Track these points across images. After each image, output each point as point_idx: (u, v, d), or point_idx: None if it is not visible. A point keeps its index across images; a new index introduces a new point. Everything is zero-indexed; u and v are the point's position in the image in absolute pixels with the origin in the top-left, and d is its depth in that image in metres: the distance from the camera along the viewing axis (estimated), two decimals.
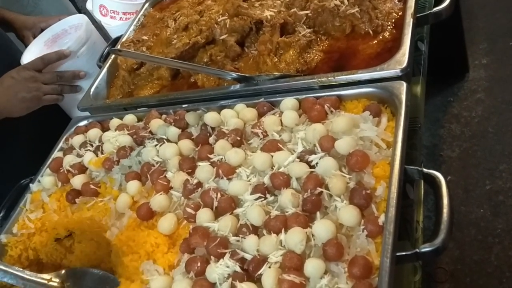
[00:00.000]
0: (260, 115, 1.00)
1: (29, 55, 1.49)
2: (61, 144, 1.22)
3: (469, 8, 2.70)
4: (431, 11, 1.02)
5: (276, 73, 1.05)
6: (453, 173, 2.21)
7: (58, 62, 1.41)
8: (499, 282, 1.78)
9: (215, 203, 0.86)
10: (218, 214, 0.86)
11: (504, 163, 2.11)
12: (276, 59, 1.08)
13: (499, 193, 2.04)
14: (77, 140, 1.17)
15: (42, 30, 1.62)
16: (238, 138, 0.96)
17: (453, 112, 2.44)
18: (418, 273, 0.99)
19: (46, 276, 0.96)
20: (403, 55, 0.94)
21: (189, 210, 0.87)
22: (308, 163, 0.85)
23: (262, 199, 0.84)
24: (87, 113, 1.29)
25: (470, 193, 2.10)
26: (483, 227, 1.97)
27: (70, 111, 1.53)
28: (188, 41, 1.21)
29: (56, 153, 1.19)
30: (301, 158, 0.86)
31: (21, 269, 0.95)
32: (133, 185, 0.99)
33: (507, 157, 2.12)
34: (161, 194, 0.94)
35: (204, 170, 0.92)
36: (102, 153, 1.10)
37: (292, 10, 1.12)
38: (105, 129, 1.19)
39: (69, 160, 1.11)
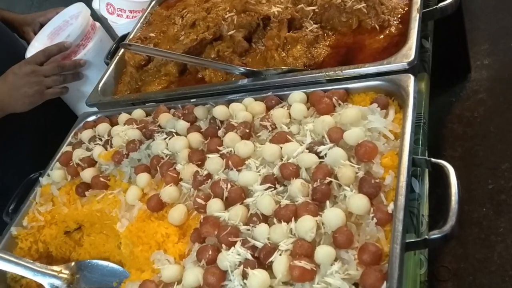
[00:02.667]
0: (268, 108, 1.02)
1: (33, 50, 1.49)
2: (70, 138, 1.23)
3: (471, 9, 2.72)
4: (437, 6, 1.03)
5: (284, 67, 1.06)
6: (456, 172, 2.21)
7: (61, 55, 1.42)
8: (502, 281, 1.79)
9: (225, 194, 0.86)
10: (228, 204, 0.87)
11: (507, 163, 2.11)
12: (283, 54, 1.09)
13: (501, 192, 2.04)
14: (86, 134, 1.18)
15: (42, 25, 1.63)
16: (247, 131, 0.97)
17: (455, 112, 2.44)
18: (424, 266, 1.00)
19: (56, 268, 0.97)
20: (410, 48, 0.96)
21: (199, 200, 0.88)
22: (317, 154, 0.86)
23: (272, 189, 0.85)
24: (94, 109, 1.30)
25: (473, 192, 2.10)
26: (485, 226, 1.98)
27: (74, 106, 1.55)
28: (195, 37, 1.22)
29: (65, 148, 1.20)
30: (310, 149, 0.88)
31: (31, 261, 0.97)
32: (143, 178, 1.00)
33: (509, 157, 2.12)
34: (171, 185, 0.94)
35: (213, 162, 0.93)
36: (111, 147, 1.11)
37: (299, 6, 1.14)
38: (113, 123, 1.20)
39: (79, 154, 1.12)
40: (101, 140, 1.14)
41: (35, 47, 1.53)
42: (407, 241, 0.71)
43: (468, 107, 2.42)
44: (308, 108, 0.97)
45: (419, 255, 0.95)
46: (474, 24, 2.66)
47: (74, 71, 1.45)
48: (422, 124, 1.03)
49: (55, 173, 1.12)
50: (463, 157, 2.25)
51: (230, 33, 1.17)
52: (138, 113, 1.17)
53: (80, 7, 1.53)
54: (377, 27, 1.06)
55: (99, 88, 1.32)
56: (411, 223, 0.89)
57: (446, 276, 1.89)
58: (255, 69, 1.08)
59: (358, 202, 0.76)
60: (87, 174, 1.07)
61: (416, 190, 0.96)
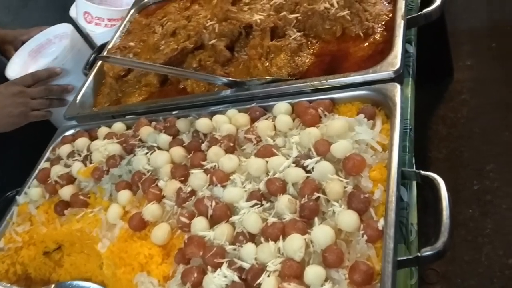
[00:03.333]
0: (253, 120, 0.99)
1: (13, 66, 1.47)
2: (47, 154, 1.19)
3: (452, 10, 2.73)
4: (421, 12, 1.02)
5: (268, 77, 1.04)
6: (441, 174, 2.18)
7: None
8: (490, 282, 1.79)
9: (210, 211, 0.83)
10: (213, 222, 0.84)
11: (491, 163, 2.12)
12: (267, 63, 1.06)
13: (487, 193, 2.05)
14: (64, 150, 1.14)
15: (24, 43, 1.59)
16: (231, 144, 0.94)
17: (439, 113, 2.45)
18: (414, 276, 0.98)
19: None
20: (395, 57, 0.94)
21: (183, 219, 0.85)
22: (304, 168, 0.84)
23: (258, 205, 0.82)
24: (73, 122, 1.26)
25: (459, 193, 2.11)
26: (472, 228, 1.98)
27: (57, 123, 1.50)
28: (176, 46, 1.19)
29: (43, 164, 1.16)
30: (297, 163, 0.85)
31: (8, 285, 0.93)
32: (124, 195, 0.96)
33: (493, 157, 2.13)
34: (153, 203, 0.91)
35: (197, 178, 0.90)
36: (90, 163, 1.07)
37: (282, 14, 1.11)
38: (93, 138, 1.16)
39: (57, 170, 1.08)
40: (80, 155, 1.10)
41: (15, 63, 1.49)
42: (399, 259, 0.69)
43: (451, 108, 2.43)
44: (293, 119, 0.95)
45: None
46: (455, 25, 2.67)
47: (61, 96, 1.41)
48: (408, 130, 1.01)
49: (33, 191, 1.08)
50: (448, 158, 2.25)
51: (211, 42, 1.14)
52: (118, 126, 1.13)
53: (65, 28, 1.49)
54: (362, 34, 1.04)
55: (78, 100, 1.28)
56: (401, 233, 0.87)
57: (435, 279, 1.89)
58: (238, 80, 1.05)
59: (348, 218, 0.74)
60: (66, 192, 1.03)
61: (405, 198, 0.93)
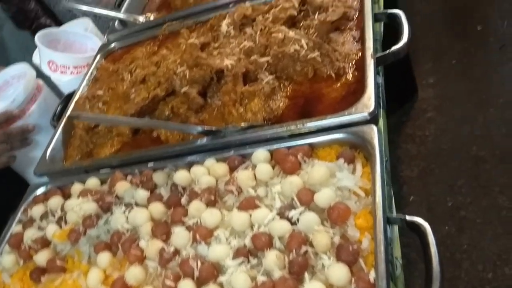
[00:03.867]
0: (232, 169, 0.97)
1: None
2: (19, 216, 1.13)
3: (411, 29, 2.80)
4: (390, 50, 1.04)
5: (243, 124, 1.03)
6: (415, 193, 2.25)
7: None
8: None
9: (196, 273, 0.81)
10: (200, 283, 0.81)
11: (462, 178, 2.16)
12: (241, 109, 1.05)
13: (460, 209, 2.08)
14: (37, 211, 1.09)
15: None
16: (212, 198, 0.92)
17: (407, 132, 2.49)
18: None
19: None
20: (369, 98, 0.95)
21: (168, 282, 0.82)
22: (289, 219, 0.83)
23: (246, 263, 0.80)
24: (44, 178, 1.22)
25: (433, 211, 2.14)
26: (450, 244, 2.01)
27: (23, 173, 1.44)
28: (147, 95, 1.17)
29: (15, 227, 1.11)
30: (281, 214, 0.84)
31: None
32: (104, 257, 0.92)
33: (464, 172, 2.18)
34: (135, 265, 0.88)
35: (180, 236, 0.88)
36: (66, 224, 1.03)
37: (253, 58, 1.11)
38: (66, 195, 1.12)
39: (30, 234, 1.03)
40: (54, 216, 1.06)
41: None
42: None
43: (419, 126, 2.48)
44: (273, 167, 0.94)
45: None
46: (416, 45, 2.74)
47: (22, 138, 1.35)
48: (384, 162, 1.02)
49: (5, 258, 1.03)
50: (421, 177, 2.29)
51: (183, 90, 1.12)
52: (93, 182, 1.10)
53: (23, 68, 1.44)
54: (333, 75, 1.05)
55: (47, 155, 1.24)
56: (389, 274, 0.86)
57: None
58: (213, 128, 1.04)
59: (338, 273, 0.73)
60: (42, 257, 0.98)
61: (388, 234, 0.93)
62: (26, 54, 1.70)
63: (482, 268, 1.88)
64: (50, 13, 2.02)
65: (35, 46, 1.55)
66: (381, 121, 1.10)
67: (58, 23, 1.98)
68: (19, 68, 1.45)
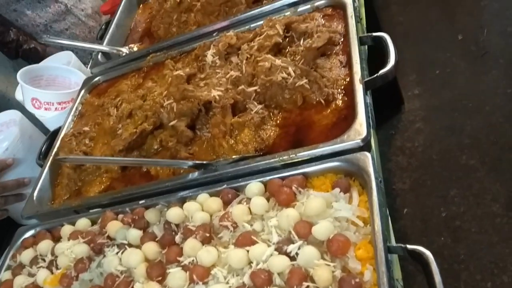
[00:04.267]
0: (226, 203, 0.95)
1: None
2: (7, 261, 1.10)
3: (394, 41, 2.82)
4: (378, 74, 1.03)
5: (235, 156, 1.01)
6: (408, 205, 2.24)
7: None
8: None
9: None
10: None
11: (454, 188, 2.16)
12: (232, 141, 1.04)
13: (455, 219, 2.07)
14: (26, 255, 1.06)
15: None
16: (207, 235, 0.90)
17: (396, 144, 2.49)
18: None
19: None
20: (361, 124, 0.94)
21: None
22: (287, 254, 0.81)
23: None
24: (33, 220, 1.18)
25: (428, 222, 2.13)
26: (447, 255, 1.99)
27: (18, 219, 1.41)
28: (134, 130, 1.15)
29: (4, 274, 1.07)
30: (279, 249, 0.82)
31: None
32: None
33: (455, 182, 2.17)
34: None
35: (176, 277, 0.85)
36: (57, 269, 1.00)
37: (240, 88, 1.09)
38: (56, 238, 1.09)
39: (20, 282, 1.01)
40: (44, 261, 1.03)
41: None
42: None
43: (407, 138, 2.48)
44: (267, 199, 0.92)
45: None
46: (399, 56, 2.75)
47: (17, 192, 1.32)
48: (379, 183, 1.01)
49: None
50: (413, 188, 2.28)
51: (172, 123, 1.10)
52: (83, 223, 1.07)
53: (13, 114, 1.42)
54: (322, 101, 1.04)
55: (35, 197, 1.21)
56: None
57: None
58: (204, 162, 1.02)
59: None
60: None
61: (389, 264, 0.92)
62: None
63: (481, 278, 1.87)
64: (33, 36, 2.01)
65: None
66: (372, 141, 1.09)
67: (43, 45, 1.97)
68: (9, 115, 1.44)
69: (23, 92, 1.46)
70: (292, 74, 1.06)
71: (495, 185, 2.07)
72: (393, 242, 0.85)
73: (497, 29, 2.61)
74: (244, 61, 1.14)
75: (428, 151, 2.35)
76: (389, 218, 1.06)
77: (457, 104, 2.42)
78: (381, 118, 2.53)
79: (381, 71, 1.03)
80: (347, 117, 0.99)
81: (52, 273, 1.00)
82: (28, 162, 1.38)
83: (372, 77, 1.03)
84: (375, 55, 1.19)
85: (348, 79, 1.06)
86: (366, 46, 1.26)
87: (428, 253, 0.76)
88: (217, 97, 1.08)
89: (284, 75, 1.06)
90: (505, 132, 2.21)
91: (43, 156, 1.31)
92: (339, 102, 1.04)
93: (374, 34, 1.12)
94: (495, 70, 2.47)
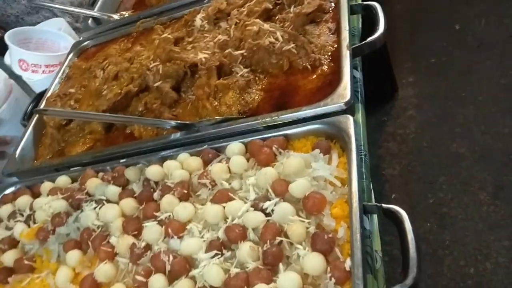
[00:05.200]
0: (206, 163, 0.95)
1: None
2: None
3: (389, 30, 2.81)
4: (366, 41, 1.02)
5: (218, 117, 1.00)
6: (397, 190, 2.25)
7: None
8: None
9: (168, 267, 0.78)
10: (172, 278, 0.79)
11: (443, 175, 2.17)
12: (216, 103, 1.03)
13: (442, 206, 2.09)
14: (4, 210, 1.06)
15: None
16: (185, 191, 0.90)
17: (388, 131, 2.49)
18: None
19: None
20: (345, 88, 0.93)
21: (139, 278, 0.80)
22: (263, 210, 0.81)
23: (219, 256, 0.78)
24: (14, 179, 1.18)
25: (416, 208, 2.14)
26: (432, 241, 2.01)
27: None
28: (119, 91, 1.14)
29: None
30: (255, 206, 0.82)
31: None
32: (73, 255, 0.89)
33: (444, 169, 2.18)
34: (105, 262, 0.85)
35: (151, 231, 0.85)
36: (34, 223, 1.00)
37: (227, 51, 1.09)
38: (36, 195, 1.08)
39: None
40: (22, 215, 1.03)
41: None
42: None
43: (399, 124, 2.48)
44: (248, 159, 0.92)
45: None
46: (395, 44, 2.75)
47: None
48: (363, 156, 1.00)
49: None
50: (402, 174, 2.29)
51: (156, 84, 1.10)
52: (63, 180, 1.06)
53: None
54: (309, 66, 1.03)
55: (17, 155, 1.20)
56: (367, 263, 0.84)
57: None
58: (187, 122, 1.01)
59: (313, 262, 0.71)
60: (9, 258, 0.95)
61: (367, 227, 0.92)
62: None
63: (464, 263, 1.88)
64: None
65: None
66: (359, 116, 1.09)
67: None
68: None
69: (11, 54, 1.45)
70: (280, 38, 1.05)
71: (483, 173, 2.08)
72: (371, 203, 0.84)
73: (494, 20, 2.61)
74: (233, 26, 1.14)
75: (419, 138, 2.36)
76: (372, 190, 1.06)
77: (451, 93, 2.42)
78: (375, 105, 2.55)
79: (369, 38, 1.02)
80: (332, 83, 0.99)
81: (29, 227, 1.00)
82: (13, 124, 1.37)
83: (360, 43, 1.03)
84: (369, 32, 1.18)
85: (336, 46, 1.06)
86: (360, 23, 1.26)
87: (402, 211, 0.76)
88: (203, 59, 1.08)
89: (272, 39, 1.05)
90: (496, 122, 2.22)
91: (27, 117, 1.30)
92: (325, 68, 1.03)
93: (365, 3, 1.11)
94: (489, 61, 2.47)
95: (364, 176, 0.97)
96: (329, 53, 1.05)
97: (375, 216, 1.16)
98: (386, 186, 2.28)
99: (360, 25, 1.27)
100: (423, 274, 1.87)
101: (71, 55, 1.47)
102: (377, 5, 1.09)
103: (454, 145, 2.23)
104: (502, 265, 1.81)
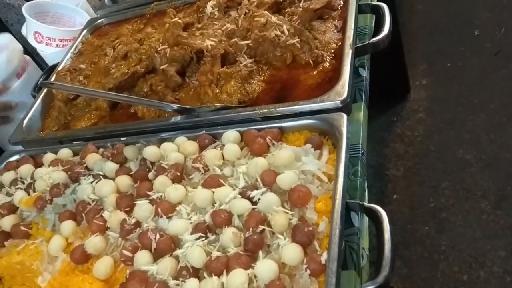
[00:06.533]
0: (201, 148, 0.98)
1: None
2: None
3: (408, 31, 2.81)
4: (369, 41, 1.03)
5: (218, 104, 1.03)
6: (399, 191, 2.26)
7: None
8: None
9: (154, 245, 0.82)
10: (157, 255, 0.82)
11: (446, 181, 2.17)
12: (217, 90, 1.05)
13: (442, 210, 2.10)
14: (7, 177, 1.10)
15: None
16: (178, 174, 0.92)
17: (396, 131, 2.50)
18: None
19: None
20: (343, 86, 0.95)
21: (126, 252, 0.83)
22: (250, 199, 0.83)
23: (203, 238, 0.80)
24: (19, 147, 1.22)
25: (416, 211, 2.15)
26: (428, 244, 2.02)
27: (4, 146, 1.44)
28: (127, 70, 1.17)
29: None
30: (243, 194, 0.84)
31: None
32: (67, 226, 0.93)
33: (448, 175, 2.19)
34: (96, 235, 0.88)
35: (142, 209, 0.88)
36: (34, 191, 1.04)
37: (233, 40, 1.11)
38: (38, 164, 1.12)
39: None
40: (23, 183, 1.06)
41: None
42: None
43: (408, 126, 2.48)
44: (242, 148, 0.94)
45: None
46: (412, 46, 2.74)
47: (4, 114, 1.35)
48: (360, 155, 1.02)
49: None
50: (406, 176, 2.30)
51: (162, 67, 1.12)
52: (65, 153, 1.10)
53: (6, 39, 1.44)
54: (311, 62, 1.05)
55: (24, 124, 1.24)
56: (351, 259, 0.87)
57: None
58: (188, 106, 1.04)
59: (291, 252, 0.73)
60: (7, 222, 0.99)
61: (356, 224, 0.94)
62: None
63: (458, 269, 1.89)
64: None
65: None
66: (360, 114, 1.10)
67: None
68: (2, 39, 1.45)
69: (27, 25, 1.48)
70: (286, 32, 1.06)
71: (487, 182, 2.08)
72: (366, 202, 0.86)
73: None
74: (242, 16, 1.15)
75: (426, 142, 2.36)
76: (366, 190, 1.08)
77: (463, 99, 2.42)
78: (385, 104, 2.55)
79: (373, 39, 1.03)
80: (332, 80, 1.00)
81: (29, 195, 1.03)
82: (25, 97, 1.41)
83: (363, 43, 1.04)
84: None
85: (339, 44, 1.07)
86: (373, 23, 1.26)
87: (382, 211, 0.78)
88: (209, 46, 1.10)
89: (278, 32, 1.07)
90: (506, 132, 2.21)
91: (38, 89, 1.34)
92: (327, 65, 1.05)
93: (374, 3, 1.12)
94: (506, 70, 2.45)
95: (359, 175, 0.99)
96: (332, 51, 1.07)
97: (365, 215, 1.18)
98: (389, 187, 2.29)
99: (373, 24, 1.27)
100: (415, 278, 1.90)
101: (85, 31, 1.51)
102: (384, 6, 1.10)
103: (461, 151, 2.23)
104: (496, 275, 1.82)
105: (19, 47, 1.43)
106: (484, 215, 2.00)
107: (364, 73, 1.19)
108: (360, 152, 1.02)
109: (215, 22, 1.20)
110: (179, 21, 1.19)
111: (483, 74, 2.48)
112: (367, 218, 1.19)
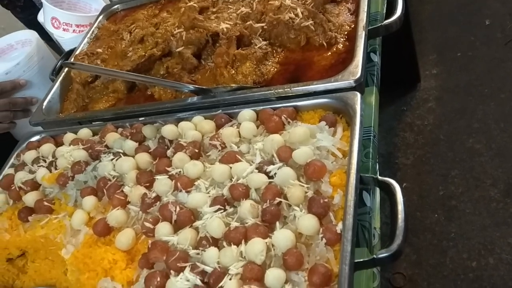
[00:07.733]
0: (218, 127, 1.00)
1: None
2: (12, 160, 1.17)
3: (419, 20, 2.81)
4: (382, 23, 1.05)
5: (233, 85, 1.05)
6: (408, 180, 2.27)
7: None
8: (454, 285, 1.84)
9: (174, 217, 0.84)
10: (177, 227, 0.85)
11: (456, 169, 2.18)
12: (233, 71, 1.08)
13: (452, 198, 2.11)
14: (29, 155, 1.13)
15: None
16: (196, 151, 0.95)
17: (406, 120, 2.51)
18: (377, 279, 1.01)
19: None
20: (356, 66, 0.97)
21: (147, 224, 0.86)
22: (267, 173, 0.86)
23: (222, 210, 0.83)
24: (39, 128, 1.25)
25: (425, 199, 2.17)
26: (438, 232, 2.03)
27: (19, 136, 1.48)
28: (143, 53, 1.20)
29: (7, 170, 1.15)
30: (260, 169, 0.87)
31: None
32: (89, 201, 0.96)
33: (458, 163, 2.19)
34: (118, 209, 0.91)
35: (162, 183, 0.91)
36: (55, 169, 1.07)
37: (248, 23, 1.13)
38: (58, 144, 1.15)
39: (21, 176, 1.07)
40: (45, 161, 1.10)
41: None
42: (356, 261, 0.71)
43: (418, 115, 2.49)
44: (257, 126, 0.97)
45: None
46: (422, 35, 2.75)
47: (25, 108, 1.39)
48: (372, 137, 1.04)
49: None
50: (415, 165, 2.31)
51: (178, 49, 1.15)
52: (84, 132, 1.13)
53: (29, 34, 1.48)
54: (325, 44, 1.07)
55: (44, 107, 1.27)
56: (363, 237, 0.89)
57: (402, 282, 1.93)
58: (204, 87, 1.07)
59: (307, 222, 0.76)
60: (30, 198, 1.02)
61: (368, 203, 0.96)
62: None
63: (467, 256, 1.91)
64: None
65: None
66: (372, 98, 1.12)
67: None
68: (25, 35, 1.49)
69: (44, 11, 1.52)
70: (300, 15, 1.09)
71: (496, 171, 2.09)
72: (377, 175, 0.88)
73: None
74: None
75: (436, 131, 2.37)
76: (377, 164, 1.10)
77: (473, 88, 2.42)
78: (395, 93, 2.56)
79: (386, 21, 1.05)
80: (345, 61, 1.03)
81: (50, 172, 1.07)
82: (40, 85, 1.44)
83: (376, 25, 1.06)
84: None
85: (353, 26, 1.09)
86: (384, 9, 1.28)
87: (395, 184, 0.80)
88: (225, 29, 1.12)
89: (292, 15, 1.09)
90: None
91: (56, 72, 1.37)
92: (340, 46, 1.07)
93: None
94: None
95: (371, 156, 1.01)
96: (346, 33, 1.09)
97: (377, 195, 1.20)
98: (398, 175, 2.31)
99: (384, 11, 1.29)
100: (424, 264, 1.91)
101: (101, 17, 1.54)
102: None
103: (471, 140, 2.24)
104: (505, 262, 1.83)
105: (36, 35, 1.46)
106: (493, 203, 2.01)
107: (376, 58, 1.21)
108: (372, 134, 1.04)
109: (229, 6, 1.22)
110: (195, 5, 1.22)
111: (493, 64, 2.48)
112: (379, 199, 1.22)
